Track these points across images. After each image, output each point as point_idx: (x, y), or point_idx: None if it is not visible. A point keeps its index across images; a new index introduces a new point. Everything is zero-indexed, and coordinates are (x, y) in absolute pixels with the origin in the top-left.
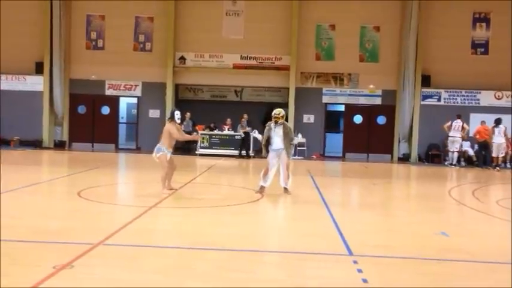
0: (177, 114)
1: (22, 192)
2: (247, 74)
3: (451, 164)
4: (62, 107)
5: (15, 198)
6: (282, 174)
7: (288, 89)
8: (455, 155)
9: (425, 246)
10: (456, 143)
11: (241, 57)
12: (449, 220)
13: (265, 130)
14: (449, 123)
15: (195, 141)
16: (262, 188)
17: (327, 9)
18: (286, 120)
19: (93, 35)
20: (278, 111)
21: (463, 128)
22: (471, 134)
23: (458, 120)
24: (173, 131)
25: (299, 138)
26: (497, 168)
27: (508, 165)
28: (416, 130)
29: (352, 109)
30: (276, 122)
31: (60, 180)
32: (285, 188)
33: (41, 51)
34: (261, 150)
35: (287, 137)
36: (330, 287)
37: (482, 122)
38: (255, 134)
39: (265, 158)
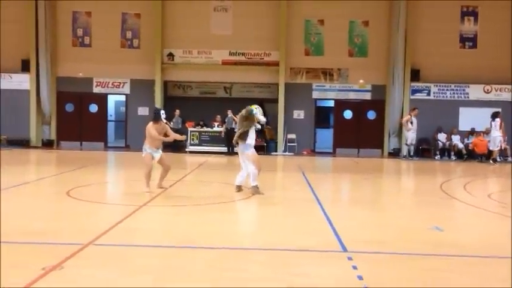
0: (163, 113)
1: (10, 192)
2: (236, 70)
3: (494, 161)
4: (49, 106)
5: (2, 198)
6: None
7: (277, 84)
8: (496, 153)
9: (420, 241)
10: (497, 141)
11: (230, 53)
12: (441, 214)
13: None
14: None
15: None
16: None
17: (315, 4)
18: (276, 116)
19: (80, 32)
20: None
21: (501, 125)
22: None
23: (497, 119)
24: (153, 132)
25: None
26: (492, 162)
27: (510, 159)
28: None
29: (342, 104)
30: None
31: (48, 179)
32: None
33: (27, 48)
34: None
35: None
36: (325, 285)
37: (477, 134)
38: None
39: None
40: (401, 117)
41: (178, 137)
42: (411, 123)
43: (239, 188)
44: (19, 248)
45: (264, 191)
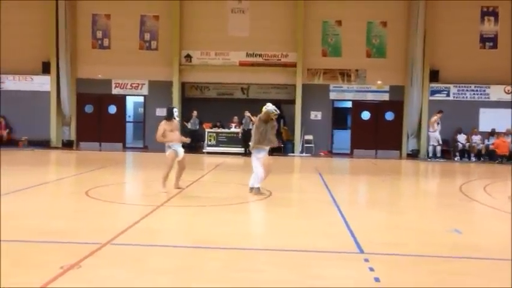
0: (176, 111)
1: (30, 192)
2: (254, 71)
3: None
4: (69, 107)
5: (22, 198)
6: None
7: (294, 86)
8: None
9: (438, 244)
10: None
11: (247, 55)
12: (461, 217)
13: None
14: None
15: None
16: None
17: (333, 5)
18: (293, 117)
19: (99, 34)
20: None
21: None
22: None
23: None
24: (159, 131)
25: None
26: None
27: None
28: (425, 126)
29: (359, 105)
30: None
31: (68, 179)
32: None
33: (47, 51)
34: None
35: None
36: (342, 287)
37: (498, 135)
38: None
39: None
40: (420, 118)
41: (183, 139)
42: (438, 124)
43: (253, 190)
44: (38, 246)
45: (282, 192)
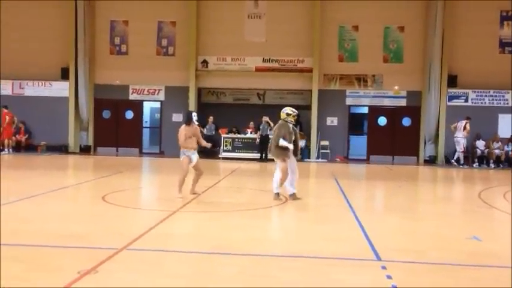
0: (195, 115)
1: (48, 196)
2: (270, 76)
3: None
4: (87, 112)
5: (40, 203)
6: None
7: (310, 91)
8: None
9: (457, 251)
10: None
11: (264, 60)
12: (480, 224)
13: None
14: None
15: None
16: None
17: (349, 10)
18: (309, 122)
19: (117, 40)
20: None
21: None
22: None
23: None
24: (181, 137)
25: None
26: None
27: None
28: (443, 132)
29: (376, 111)
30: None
31: (85, 184)
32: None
33: (66, 57)
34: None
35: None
36: None
37: None
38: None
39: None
40: (438, 123)
41: (204, 143)
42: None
43: (277, 196)
44: (55, 251)
45: (298, 198)
